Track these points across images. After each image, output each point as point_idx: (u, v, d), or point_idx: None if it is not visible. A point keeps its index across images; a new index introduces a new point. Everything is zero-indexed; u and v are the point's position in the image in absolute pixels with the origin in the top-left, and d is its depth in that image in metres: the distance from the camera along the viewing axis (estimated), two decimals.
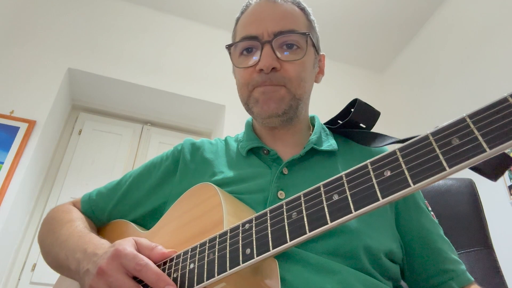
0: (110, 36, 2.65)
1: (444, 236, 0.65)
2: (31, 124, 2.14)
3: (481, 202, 0.90)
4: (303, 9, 0.71)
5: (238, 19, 0.73)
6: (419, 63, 2.84)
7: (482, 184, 0.98)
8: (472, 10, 2.41)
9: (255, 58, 0.66)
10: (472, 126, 0.31)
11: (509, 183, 1.87)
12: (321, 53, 0.75)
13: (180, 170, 0.71)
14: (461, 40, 2.45)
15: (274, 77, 0.63)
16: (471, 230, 0.87)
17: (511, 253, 1.43)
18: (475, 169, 0.41)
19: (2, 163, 2.00)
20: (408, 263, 0.62)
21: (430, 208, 0.68)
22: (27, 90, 2.25)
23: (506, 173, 1.89)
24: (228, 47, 0.70)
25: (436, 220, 0.67)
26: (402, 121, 2.85)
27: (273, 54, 0.63)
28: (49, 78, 2.34)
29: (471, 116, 0.32)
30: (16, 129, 2.10)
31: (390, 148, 0.39)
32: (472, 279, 0.61)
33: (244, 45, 0.67)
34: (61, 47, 2.48)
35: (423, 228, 0.63)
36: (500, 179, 1.91)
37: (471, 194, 0.91)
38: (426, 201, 0.69)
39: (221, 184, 0.63)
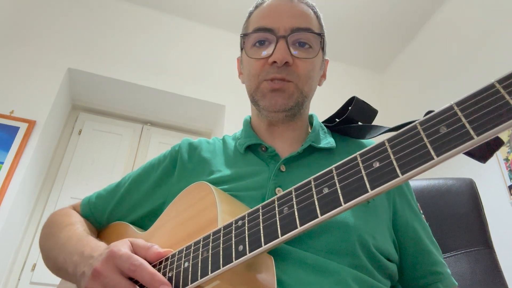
0: (110, 36, 2.66)
1: (434, 239, 0.66)
2: (31, 124, 2.14)
3: (481, 202, 0.90)
4: (316, 13, 0.72)
5: (251, 12, 0.74)
6: (419, 63, 2.84)
7: (482, 184, 0.98)
8: (472, 11, 2.40)
9: (266, 51, 0.66)
10: (459, 113, 0.31)
11: (509, 183, 1.86)
12: (326, 58, 0.77)
13: (178, 170, 0.71)
14: (461, 40, 2.45)
15: (285, 71, 0.64)
16: (471, 230, 0.87)
17: (511, 253, 1.42)
18: (464, 152, 0.41)
19: (2, 163, 2.00)
20: (399, 263, 0.63)
21: (421, 211, 0.69)
22: (27, 90, 2.25)
23: (506, 173, 1.88)
24: (243, 36, 0.71)
25: (427, 223, 0.68)
26: (402, 121, 2.84)
27: (287, 49, 0.64)
28: (49, 78, 2.35)
29: (458, 103, 0.32)
30: (16, 129, 2.10)
31: (381, 138, 0.39)
32: (456, 283, 0.62)
33: (259, 37, 0.68)
34: (61, 47, 2.49)
35: (415, 230, 0.63)
36: (500, 179, 1.90)
37: (471, 194, 0.91)
38: (418, 204, 0.69)
39: (219, 182, 0.63)
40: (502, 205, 1.86)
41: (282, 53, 0.63)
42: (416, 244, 0.62)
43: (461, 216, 0.89)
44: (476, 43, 2.31)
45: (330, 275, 0.50)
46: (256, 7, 0.73)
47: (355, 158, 0.38)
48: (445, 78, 2.53)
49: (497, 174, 1.92)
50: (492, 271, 0.81)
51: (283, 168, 0.63)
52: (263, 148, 0.68)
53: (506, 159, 1.90)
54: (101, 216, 0.74)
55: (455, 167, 2.06)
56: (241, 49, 0.72)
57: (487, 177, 1.93)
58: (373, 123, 0.71)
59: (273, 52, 0.64)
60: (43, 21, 2.52)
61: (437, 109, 0.33)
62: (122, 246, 0.50)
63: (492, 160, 1.95)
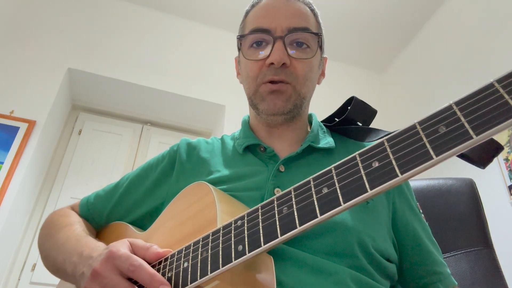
0: (110, 36, 2.66)
1: (433, 238, 0.66)
2: (31, 124, 2.14)
3: (481, 202, 0.90)
4: (313, 11, 0.71)
5: (248, 12, 0.73)
6: (419, 63, 2.84)
7: (482, 184, 0.97)
8: (472, 11, 2.40)
9: (263, 52, 0.66)
10: (458, 113, 0.31)
11: (509, 183, 1.86)
12: (324, 56, 0.76)
13: (176, 170, 0.71)
14: (461, 40, 2.45)
15: (283, 72, 0.64)
16: (471, 230, 0.87)
17: (511, 253, 1.42)
18: (463, 157, 0.41)
19: (2, 163, 2.00)
20: (399, 263, 0.63)
21: (421, 210, 0.69)
22: (27, 90, 2.25)
23: (506, 173, 1.88)
24: (239, 38, 0.70)
25: (427, 223, 0.68)
26: (402, 121, 2.85)
27: (285, 50, 0.64)
28: (49, 78, 2.35)
29: (457, 103, 0.31)
30: (16, 129, 2.10)
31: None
32: (456, 283, 0.62)
33: (256, 38, 0.67)
34: (61, 47, 2.49)
35: (415, 230, 0.63)
36: (500, 179, 1.90)
37: (471, 194, 0.91)
38: (418, 203, 0.69)
39: (217, 182, 0.63)
40: (502, 205, 1.86)
41: (279, 54, 0.63)
42: (416, 244, 0.62)
43: (461, 216, 0.89)
44: (476, 43, 2.31)
45: (329, 275, 0.50)
46: (253, 6, 0.72)
47: (354, 158, 0.38)
48: (445, 78, 2.52)
49: (497, 174, 1.92)
50: (492, 271, 0.81)
51: (282, 169, 0.63)
52: (262, 149, 0.67)
53: (506, 159, 1.90)
54: (99, 216, 0.74)
55: (455, 167, 2.05)
56: (238, 49, 0.72)
57: (487, 177, 1.93)
58: (372, 124, 0.71)
59: (270, 53, 0.64)
60: (43, 21, 2.52)
61: (436, 109, 0.33)
62: (121, 247, 0.50)
63: None
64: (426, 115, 0.34)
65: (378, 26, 2.88)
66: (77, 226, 0.68)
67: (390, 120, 2.84)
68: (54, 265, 0.64)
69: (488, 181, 1.93)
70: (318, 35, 0.68)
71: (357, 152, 0.38)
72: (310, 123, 0.76)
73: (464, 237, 0.86)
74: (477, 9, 2.36)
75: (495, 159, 2.08)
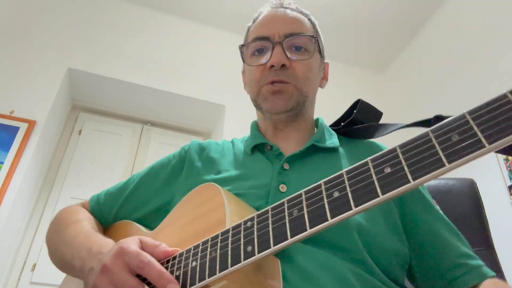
0: (110, 36, 2.65)
1: (456, 230, 0.63)
2: (31, 124, 2.14)
3: (482, 202, 0.90)
4: (310, 20, 0.77)
5: (249, 27, 0.79)
6: (419, 63, 2.85)
7: (482, 184, 0.98)
8: (472, 10, 2.41)
9: (265, 58, 0.70)
10: (471, 122, 0.31)
11: (509, 183, 1.87)
12: (326, 61, 0.80)
13: (186, 169, 0.73)
14: (461, 40, 2.46)
15: (283, 74, 0.68)
16: (472, 230, 0.87)
17: (511, 253, 1.43)
18: (504, 151, 0.41)
19: (2, 163, 2.00)
20: (419, 262, 0.61)
21: (438, 207, 0.66)
22: (27, 90, 2.25)
23: (506, 173, 1.89)
24: (241, 47, 0.75)
25: (445, 216, 0.65)
26: (402, 121, 2.85)
27: (283, 53, 0.68)
28: (49, 78, 2.34)
29: (470, 112, 0.32)
30: (16, 129, 2.10)
31: (392, 140, 0.40)
32: (493, 273, 0.58)
33: (256, 46, 0.72)
34: (61, 47, 2.48)
35: (430, 223, 0.62)
36: (500, 179, 1.91)
37: (472, 194, 0.91)
38: (434, 201, 0.67)
39: (226, 181, 0.65)
40: (502, 205, 1.87)
41: (278, 57, 0.67)
42: (434, 238, 0.60)
43: (462, 216, 0.89)
44: (477, 42, 2.31)
45: (332, 271, 0.51)
46: (254, 21, 0.78)
47: (366, 163, 0.38)
48: (446, 77, 2.53)
49: (497, 174, 1.93)
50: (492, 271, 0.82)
51: (286, 166, 0.65)
52: (268, 147, 0.70)
53: (506, 159, 1.91)
54: (108, 212, 0.76)
55: None
56: (243, 60, 0.76)
57: (487, 177, 1.94)
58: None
59: (270, 57, 0.68)
60: (43, 21, 2.51)
61: (446, 114, 0.34)
62: (131, 243, 0.50)
63: (492, 160, 1.96)
64: (438, 124, 0.34)
65: (378, 26, 2.88)
66: (86, 223, 0.69)
67: (390, 120, 2.84)
68: (61, 260, 0.65)
69: (488, 181, 1.93)
70: (314, 37, 0.72)
71: (369, 158, 0.39)
72: (317, 127, 0.77)
73: (465, 237, 0.87)
74: (477, 9, 2.37)
75: (495, 160, 2.07)
